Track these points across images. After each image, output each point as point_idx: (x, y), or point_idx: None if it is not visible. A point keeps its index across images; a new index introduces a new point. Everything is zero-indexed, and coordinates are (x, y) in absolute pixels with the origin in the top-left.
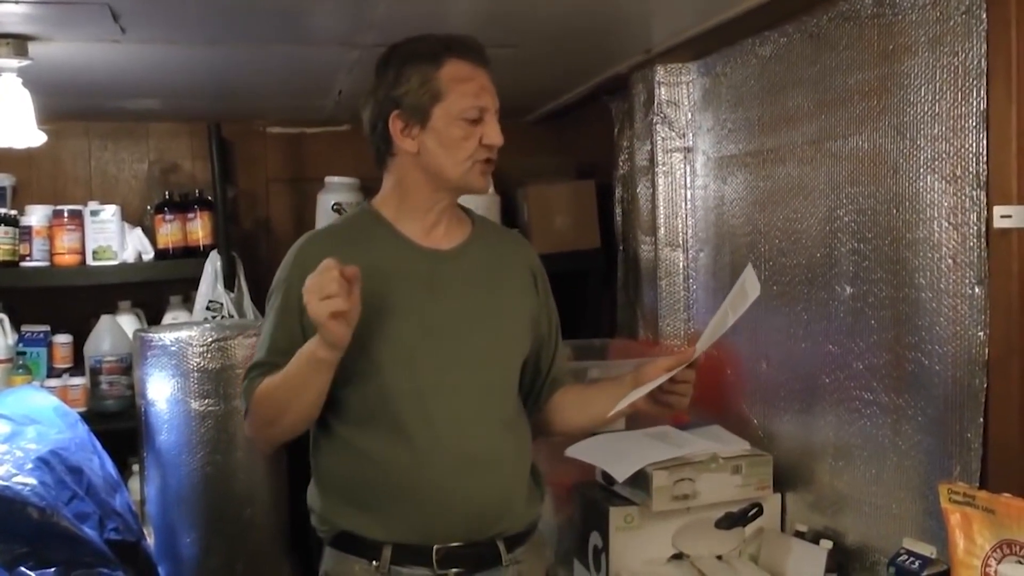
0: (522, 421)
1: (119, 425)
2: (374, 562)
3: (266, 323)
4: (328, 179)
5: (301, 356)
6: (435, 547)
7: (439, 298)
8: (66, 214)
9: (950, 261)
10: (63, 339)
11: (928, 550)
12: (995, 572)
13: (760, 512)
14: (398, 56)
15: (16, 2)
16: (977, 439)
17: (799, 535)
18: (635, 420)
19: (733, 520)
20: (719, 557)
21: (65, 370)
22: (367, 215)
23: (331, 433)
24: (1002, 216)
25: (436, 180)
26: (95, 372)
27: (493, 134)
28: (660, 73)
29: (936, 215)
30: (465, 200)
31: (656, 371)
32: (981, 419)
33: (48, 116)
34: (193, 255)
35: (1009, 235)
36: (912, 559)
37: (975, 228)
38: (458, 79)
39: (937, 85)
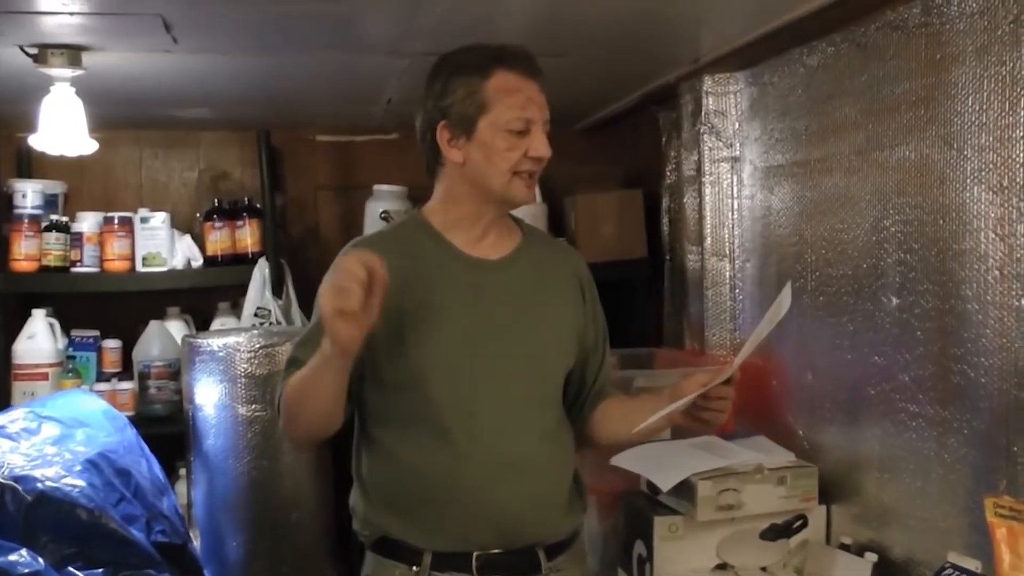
0: (564, 431)
1: (167, 429)
2: (414, 567)
3: (310, 323)
4: (376, 187)
5: (318, 352)
6: (475, 554)
7: (484, 308)
8: (116, 221)
9: (997, 273)
10: (112, 344)
11: (973, 564)
12: None
13: (805, 524)
14: (446, 66)
15: (71, 14)
16: None
17: (844, 547)
18: (680, 430)
19: (778, 531)
20: (764, 568)
21: (114, 374)
22: (415, 223)
23: (373, 439)
24: None
25: (481, 191)
26: (143, 377)
27: (540, 146)
28: (708, 83)
29: (983, 226)
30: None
31: (692, 386)
32: None
33: (100, 125)
34: (242, 262)
35: None
36: (957, 573)
37: (1022, 240)
38: (504, 91)
39: (984, 95)
